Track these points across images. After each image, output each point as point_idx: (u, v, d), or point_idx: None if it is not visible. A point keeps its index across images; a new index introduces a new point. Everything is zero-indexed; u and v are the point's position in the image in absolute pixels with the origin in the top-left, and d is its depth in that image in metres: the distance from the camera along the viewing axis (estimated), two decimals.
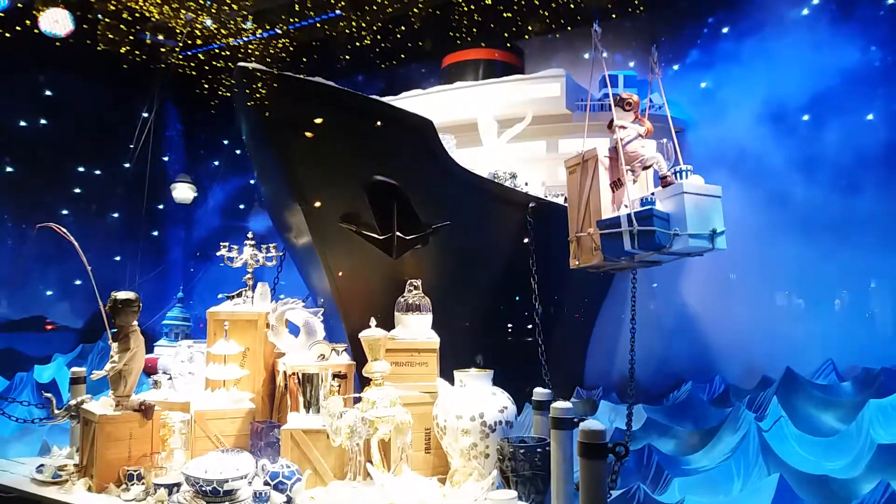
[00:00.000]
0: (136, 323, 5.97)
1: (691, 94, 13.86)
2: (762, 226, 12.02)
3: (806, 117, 13.01)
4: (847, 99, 12.49)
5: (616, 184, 7.06)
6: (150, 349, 7.76)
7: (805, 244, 12.19)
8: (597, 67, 7.80)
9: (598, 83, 13.90)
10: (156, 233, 19.27)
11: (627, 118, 7.23)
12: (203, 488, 5.18)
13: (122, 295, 5.88)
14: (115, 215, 18.54)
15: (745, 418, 8.75)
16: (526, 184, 10.52)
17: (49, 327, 17.45)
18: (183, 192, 16.77)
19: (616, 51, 15.60)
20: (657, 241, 6.43)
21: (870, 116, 12.66)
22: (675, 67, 14.49)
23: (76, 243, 6.59)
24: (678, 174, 6.76)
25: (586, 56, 15.94)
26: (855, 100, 12.52)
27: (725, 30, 14.25)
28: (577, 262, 7.46)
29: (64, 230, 6.69)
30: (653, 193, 6.83)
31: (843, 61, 12.34)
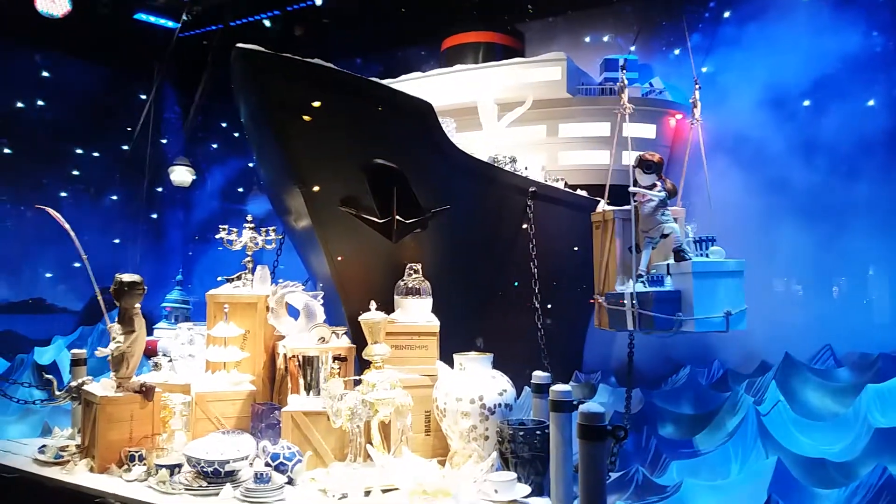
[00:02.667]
0: (138, 305, 5.98)
1: (692, 79, 13.80)
2: (761, 211, 12.00)
3: (807, 103, 12.96)
4: (848, 84, 12.44)
5: (634, 248, 6.75)
6: (149, 331, 7.77)
7: (804, 230, 12.17)
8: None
9: (599, 67, 13.86)
10: (154, 215, 19.25)
11: (648, 180, 6.71)
12: (204, 469, 5.21)
13: (127, 277, 5.89)
14: (114, 198, 18.51)
15: (744, 402, 8.78)
16: (526, 168, 10.49)
17: (47, 310, 17.45)
18: (181, 174, 16.75)
19: (617, 34, 15.53)
20: (658, 326, 6.23)
21: (871, 102, 12.62)
22: (676, 52, 14.42)
23: (70, 229, 6.58)
24: (699, 244, 6.47)
25: (587, 40, 15.88)
26: (856, 85, 12.47)
27: (727, 14, 14.17)
28: (598, 323, 7.19)
29: (59, 216, 6.68)
30: (668, 265, 6.52)
31: (844, 47, 12.26)
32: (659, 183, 6.75)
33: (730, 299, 6.17)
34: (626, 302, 6.38)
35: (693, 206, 8.07)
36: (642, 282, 6.47)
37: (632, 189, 6.76)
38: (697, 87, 7.76)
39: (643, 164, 6.71)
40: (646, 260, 6.60)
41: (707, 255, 6.52)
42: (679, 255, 6.46)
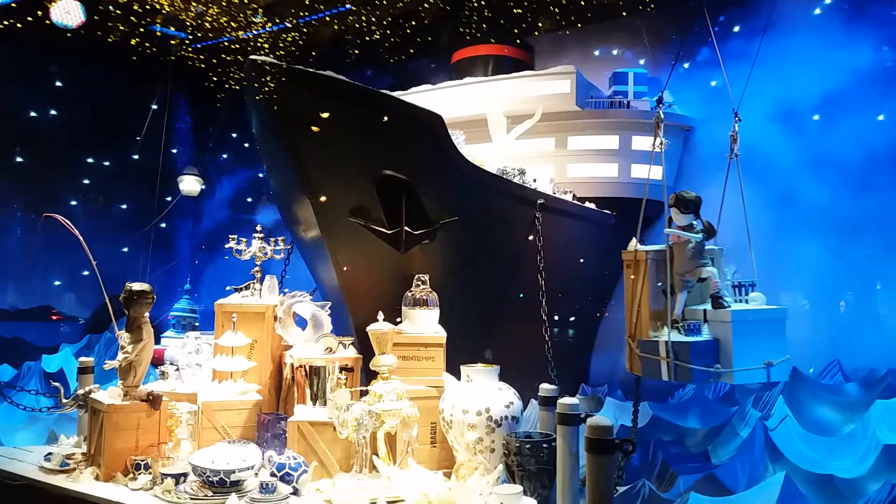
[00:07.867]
0: (147, 315, 5.99)
1: (701, 93, 13.80)
2: (770, 225, 11.96)
3: (816, 117, 12.95)
4: (858, 99, 12.42)
5: (669, 291, 6.21)
6: (157, 340, 7.79)
7: (813, 244, 12.13)
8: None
9: (608, 80, 13.89)
10: (164, 224, 19.34)
11: (685, 220, 6.16)
12: (210, 479, 5.20)
13: (136, 286, 5.89)
14: (123, 206, 18.62)
15: (751, 417, 8.75)
16: (534, 180, 10.52)
17: (55, 317, 17.53)
18: (190, 184, 16.83)
19: (626, 48, 15.56)
20: (695, 379, 5.79)
21: (881, 117, 12.60)
22: (686, 65, 14.42)
23: (80, 237, 6.60)
24: (738, 289, 6.11)
25: (596, 53, 15.92)
26: (866, 100, 12.45)
27: (737, 28, 14.17)
28: (629, 368, 6.66)
29: (69, 223, 6.71)
30: (706, 311, 6.06)
31: (854, 61, 12.27)
32: (696, 223, 6.23)
33: (771, 349, 5.81)
34: (660, 352, 5.92)
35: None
36: (678, 328, 6.02)
37: (667, 230, 6.27)
38: (737, 119, 7.32)
39: (680, 203, 6.18)
40: (681, 305, 6.13)
41: (747, 302, 6.14)
42: (717, 301, 6.05)
